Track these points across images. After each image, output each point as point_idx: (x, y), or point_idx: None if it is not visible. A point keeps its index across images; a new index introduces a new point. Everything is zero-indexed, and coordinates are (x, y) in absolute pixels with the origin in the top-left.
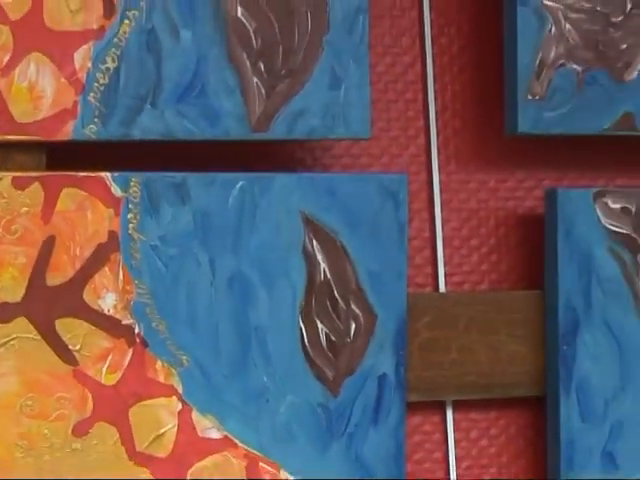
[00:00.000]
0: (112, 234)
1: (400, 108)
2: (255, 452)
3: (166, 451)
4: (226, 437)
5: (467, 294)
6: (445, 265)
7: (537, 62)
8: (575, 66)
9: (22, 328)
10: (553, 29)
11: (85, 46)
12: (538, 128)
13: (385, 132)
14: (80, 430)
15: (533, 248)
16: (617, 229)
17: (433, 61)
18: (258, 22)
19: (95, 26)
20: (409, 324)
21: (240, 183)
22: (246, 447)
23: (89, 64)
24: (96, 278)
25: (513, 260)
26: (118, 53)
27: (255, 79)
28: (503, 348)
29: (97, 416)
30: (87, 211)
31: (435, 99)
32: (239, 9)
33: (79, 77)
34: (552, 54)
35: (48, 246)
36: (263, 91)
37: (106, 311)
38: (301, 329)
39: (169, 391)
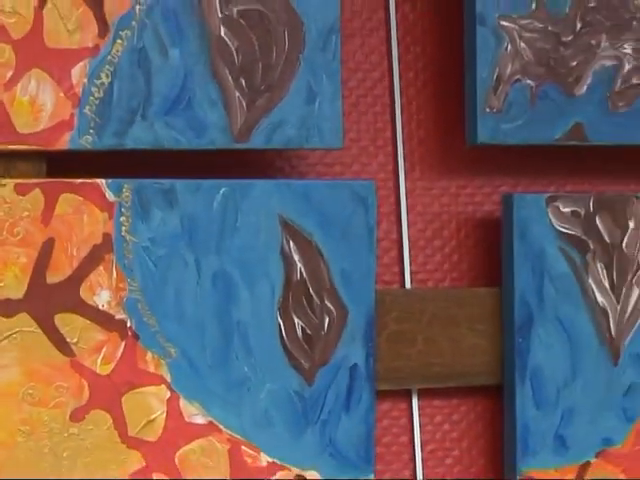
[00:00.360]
0: (106, 236)
1: (369, 120)
2: (237, 436)
3: (156, 435)
4: (211, 422)
5: (431, 291)
6: (410, 264)
7: (494, 78)
8: (529, 81)
9: (24, 322)
10: (509, 47)
11: (81, 63)
12: (496, 139)
13: (356, 142)
14: (77, 416)
15: (491, 249)
16: (567, 231)
17: (400, 77)
18: (239, 41)
19: (90, 45)
20: (378, 318)
21: (223, 189)
22: (229, 432)
23: (85, 80)
24: (92, 276)
25: (473, 260)
26: (111, 69)
27: (237, 93)
28: (464, 340)
29: (92, 403)
30: (83, 215)
31: (401, 112)
32: (222, 29)
33: (76, 91)
34: (508, 70)
35: (48, 247)
36: (244, 104)
37: (101, 307)
38: (279, 323)
39: (158, 380)
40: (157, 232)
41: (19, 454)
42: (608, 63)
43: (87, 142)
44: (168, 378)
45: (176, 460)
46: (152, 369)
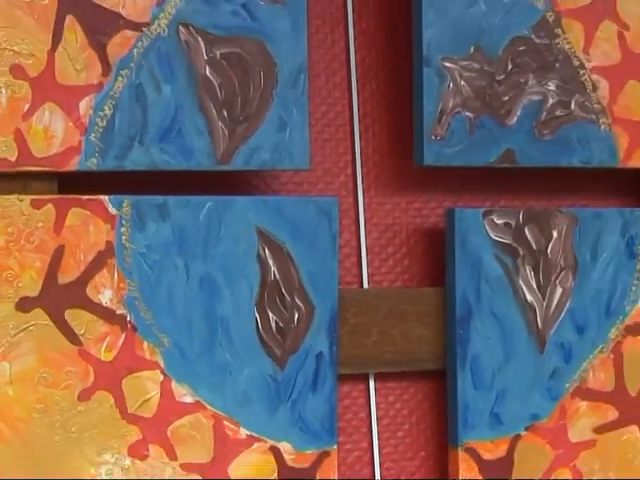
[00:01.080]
0: (109, 244)
1: (332, 146)
2: (220, 413)
3: (151, 412)
4: (198, 402)
5: (385, 290)
6: (368, 267)
7: (438, 110)
8: (468, 113)
9: (39, 317)
10: (451, 85)
11: (87, 97)
12: (439, 161)
13: (321, 164)
14: (84, 396)
15: (436, 254)
16: (501, 240)
17: (358, 109)
18: (222, 79)
19: (95, 82)
20: (340, 313)
21: (208, 204)
22: (213, 409)
23: (91, 111)
24: (96, 278)
25: (420, 264)
26: (113, 103)
27: (220, 123)
28: (413, 332)
29: (97, 385)
30: (89, 226)
31: (360, 139)
32: (207, 69)
33: (83, 121)
34: (450, 104)
35: (59, 253)
36: (226, 132)
37: (104, 304)
38: (256, 318)
39: (153, 366)
40: (152, 240)
41: (35, 428)
42: (535, 98)
43: (92, 164)
44: (162, 364)
45: (168, 433)
46: (148, 356)
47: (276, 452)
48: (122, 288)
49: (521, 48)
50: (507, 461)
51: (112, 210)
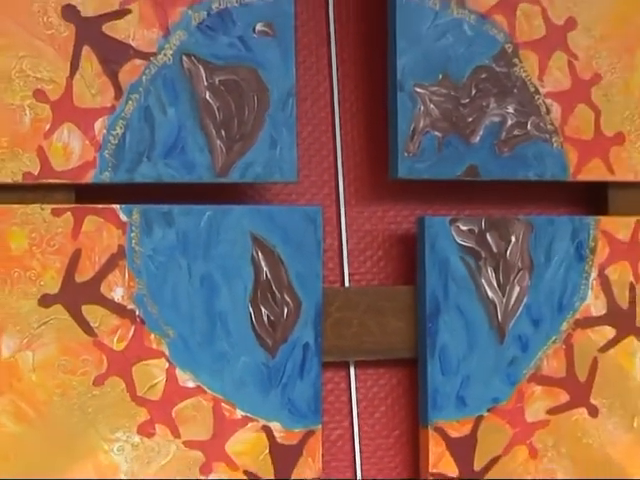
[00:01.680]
0: (120, 247)
1: (317, 161)
2: (219, 396)
3: (157, 396)
4: (199, 386)
5: (364, 288)
6: (348, 268)
7: (411, 130)
8: (436, 133)
9: (58, 312)
10: (421, 107)
11: (101, 118)
12: (412, 175)
13: (307, 177)
14: (98, 381)
15: (408, 257)
16: (465, 244)
17: (340, 129)
18: (220, 102)
19: (108, 104)
20: (324, 308)
21: (208, 212)
22: (212, 393)
23: (104, 131)
24: (109, 277)
25: (395, 265)
26: (124, 123)
27: (218, 141)
28: (388, 325)
29: (110, 372)
30: (103, 231)
31: (342, 155)
32: (207, 93)
33: (97, 139)
34: (421, 124)
35: (76, 255)
36: (224, 149)
37: (116, 300)
38: (250, 312)
39: (160, 354)
40: (158, 244)
41: (55, 410)
42: (495, 119)
43: (106, 177)
44: (167, 353)
45: (173, 414)
46: (155, 346)
47: (267, 431)
48: (132, 286)
49: (483, 76)
50: (471, 439)
51: (123, 217)
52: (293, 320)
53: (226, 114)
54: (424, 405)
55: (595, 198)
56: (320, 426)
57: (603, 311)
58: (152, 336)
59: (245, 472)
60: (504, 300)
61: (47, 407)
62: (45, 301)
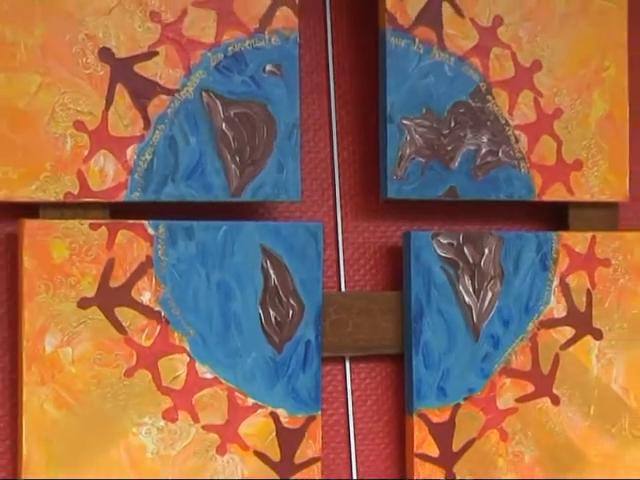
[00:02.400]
0: (148, 257)
1: (318, 183)
2: (232, 386)
3: (180, 385)
4: (215, 378)
5: (358, 293)
6: (345, 276)
7: (398, 156)
8: (421, 159)
9: (94, 313)
10: (408, 137)
11: (132, 146)
12: (399, 195)
13: (309, 197)
14: (128, 373)
15: (396, 266)
16: (445, 255)
17: (338, 156)
18: (235, 132)
19: (138, 134)
20: (323, 310)
21: (224, 227)
22: (227, 383)
23: (135, 156)
24: (139, 283)
25: (384, 273)
26: (152, 150)
27: (233, 166)
28: (379, 325)
29: (138, 365)
30: (133, 243)
31: (339, 178)
32: (223, 124)
33: (129, 164)
34: (407, 152)
35: (110, 264)
36: (238, 173)
37: (145, 303)
38: (260, 314)
39: (182, 350)
40: (181, 255)
41: (92, 398)
42: (471, 148)
43: (136, 196)
44: (188, 349)
45: (193, 401)
46: (177, 343)
47: (274, 416)
48: (158, 291)
49: (461, 110)
50: (450, 424)
51: (151, 231)
52: (297, 320)
53: (240, 142)
54: (409, 395)
55: (557, 216)
56: (320, 412)
57: (564, 313)
58: (175, 334)
59: (255, 452)
60: (478, 304)
61: (84, 395)
62: (83, 303)
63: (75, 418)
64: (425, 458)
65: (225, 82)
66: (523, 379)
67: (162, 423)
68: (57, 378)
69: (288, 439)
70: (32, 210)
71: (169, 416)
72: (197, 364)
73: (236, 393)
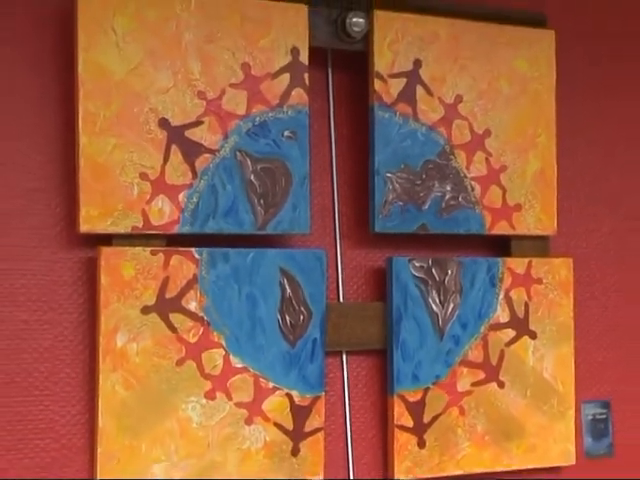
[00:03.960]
0: (194, 275)
1: (323, 220)
2: (258, 373)
3: (218, 372)
4: (245, 367)
5: (353, 303)
6: (343, 290)
7: (383, 201)
8: (400, 202)
9: (154, 317)
10: (390, 186)
11: (183, 192)
12: (384, 230)
13: (316, 231)
14: (179, 363)
15: (381, 283)
16: (418, 275)
17: (338, 200)
18: (260, 182)
19: (188, 183)
20: (326, 316)
21: (252, 253)
22: (254, 371)
23: (185, 199)
24: (187, 295)
25: (373, 288)
26: (198, 195)
27: (259, 207)
28: (368, 328)
29: (186, 357)
30: (183, 265)
31: (339, 217)
32: (252, 176)
33: (181, 205)
34: (390, 197)
35: (166, 280)
36: (263, 212)
37: (192, 310)
38: (278, 319)
39: (219, 346)
40: (219, 274)
41: (151, 381)
42: (438, 194)
43: (186, 230)
44: (224, 344)
45: (227, 385)
46: (216, 340)
47: (289, 396)
48: (202, 301)
49: (430, 166)
50: (421, 402)
51: (197, 256)
52: (306, 323)
53: (264, 189)
54: (391, 380)
55: (502, 246)
56: (323, 393)
57: (507, 319)
58: (214, 333)
59: (274, 423)
60: (443, 312)
61: (145, 380)
62: (145, 310)
63: (138, 397)
64: (402, 428)
65: (253, 144)
66: (477, 368)
67: (204, 401)
68: (125, 367)
69: (299, 413)
70: (107, 240)
71: (209, 396)
72: (231, 356)
73: (260, 379)
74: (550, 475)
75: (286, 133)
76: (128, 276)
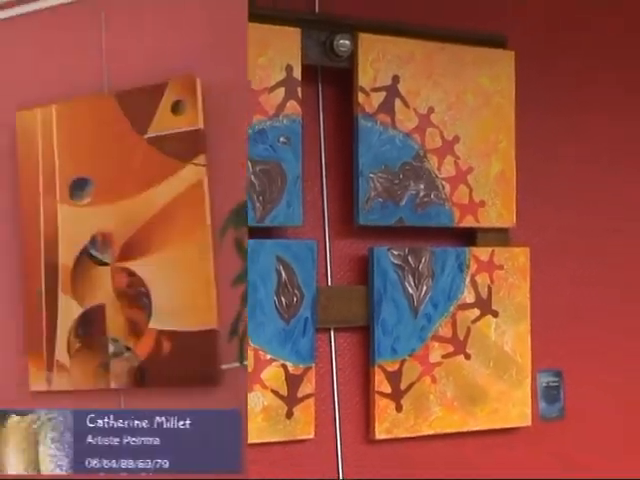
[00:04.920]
0: None
1: (314, 214)
2: (257, 347)
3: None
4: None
5: (340, 286)
6: (331, 275)
7: (366, 197)
8: (380, 199)
9: None
10: (372, 185)
11: None
12: (367, 222)
13: (308, 223)
14: None
15: (364, 269)
16: (396, 262)
17: (327, 197)
18: (259, 181)
19: None
20: (317, 297)
21: (252, 243)
22: (254, 345)
23: None
24: None
25: (357, 275)
26: None
27: (258, 203)
28: (353, 307)
29: None
30: None
31: (328, 211)
32: (252, 176)
33: None
34: (372, 194)
35: None
36: (261, 207)
37: None
38: (274, 300)
39: None
40: None
41: None
42: (413, 192)
43: None
44: None
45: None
46: None
47: (284, 367)
48: None
49: (407, 167)
50: (399, 372)
51: None
52: (299, 304)
53: (262, 188)
54: (372, 353)
55: (469, 237)
56: (314, 365)
57: (473, 300)
58: None
59: (271, 390)
60: (418, 293)
61: None
62: None
63: None
64: (382, 394)
65: (253, 149)
66: (446, 343)
67: None
68: None
69: (293, 381)
70: None
71: None
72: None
73: (259, 351)
74: (509, 434)
75: (281, 139)
76: None
